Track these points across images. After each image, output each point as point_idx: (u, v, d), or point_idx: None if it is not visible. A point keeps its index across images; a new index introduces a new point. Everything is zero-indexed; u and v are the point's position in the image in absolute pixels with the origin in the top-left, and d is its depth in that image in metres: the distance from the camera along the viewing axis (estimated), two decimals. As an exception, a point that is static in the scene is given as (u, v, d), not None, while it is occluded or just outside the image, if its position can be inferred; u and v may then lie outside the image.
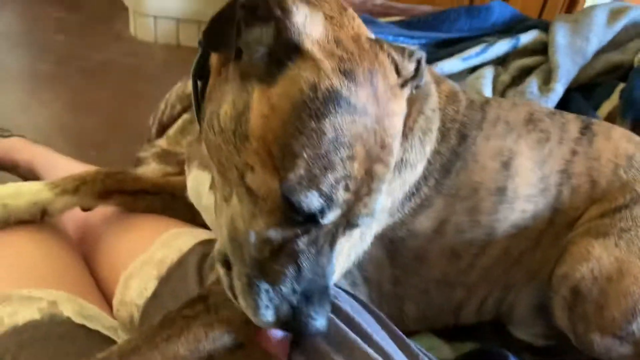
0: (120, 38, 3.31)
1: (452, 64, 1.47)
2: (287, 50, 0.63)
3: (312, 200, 0.60)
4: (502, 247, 0.92)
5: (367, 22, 1.54)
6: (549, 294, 0.90)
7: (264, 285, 0.63)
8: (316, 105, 0.61)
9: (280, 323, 0.63)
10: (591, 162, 0.94)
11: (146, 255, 0.91)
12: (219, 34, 0.66)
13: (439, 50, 1.55)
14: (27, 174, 1.47)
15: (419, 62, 0.73)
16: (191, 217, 1.03)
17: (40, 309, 0.78)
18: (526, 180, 0.91)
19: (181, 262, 0.86)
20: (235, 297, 0.67)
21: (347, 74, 0.63)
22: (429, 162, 0.90)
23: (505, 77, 1.48)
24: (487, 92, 1.41)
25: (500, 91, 1.45)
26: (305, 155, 0.60)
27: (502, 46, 1.52)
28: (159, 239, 0.93)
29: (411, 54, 0.72)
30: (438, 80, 0.96)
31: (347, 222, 0.66)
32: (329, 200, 0.61)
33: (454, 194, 0.90)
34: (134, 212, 1.02)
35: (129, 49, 3.21)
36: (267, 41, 0.63)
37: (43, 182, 0.95)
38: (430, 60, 1.49)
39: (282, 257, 0.64)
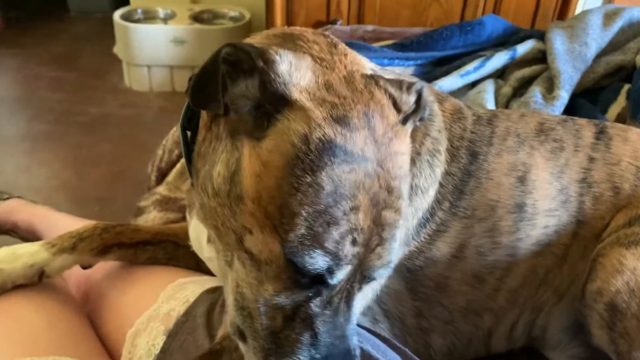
0: (116, 90, 3.33)
1: (451, 82, 1.44)
2: (274, 102, 0.59)
3: (317, 260, 0.56)
4: (527, 267, 0.87)
5: (360, 48, 1.53)
6: (583, 312, 0.83)
7: (282, 359, 0.58)
8: (310, 158, 0.56)
9: None
10: (611, 167, 0.89)
11: (152, 310, 0.85)
12: (204, 92, 0.62)
13: (435, 69, 1.52)
14: (28, 235, 1.43)
15: (419, 94, 0.68)
16: (196, 264, 0.98)
17: (43, 378, 0.73)
18: (545, 193, 0.87)
19: (188, 314, 0.81)
20: None
21: (340, 120, 0.58)
22: (441, 185, 0.85)
23: (507, 89, 1.45)
24: (490, 105, 1.37)
25: (503, 104, 1.42)
26: (304, 213, 0.55)
27: (499, 59, 1.49)
28: (164, 292, 0.88)
29: (410, 87, 0.67)
30: (441, 99, 0.92)
31: (362, 276, 0.61)
32: (335, 258, 0.56)
33: (470, 216, 0.85)
34: (137, 265, 0.98)
35: (125, 100, 3.22)
36: (253, 94, 0.59)
37: (39, 243, 0.91)
38: (428, 80, 1.46)
39: (296, 324, 0.59)
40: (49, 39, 3.91)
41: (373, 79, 0.65)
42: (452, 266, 0.86)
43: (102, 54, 3.59)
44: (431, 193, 0.84)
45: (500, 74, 1.54)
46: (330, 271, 0.57)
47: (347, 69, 0.65)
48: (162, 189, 1.33)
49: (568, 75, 1.39)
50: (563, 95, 1.34)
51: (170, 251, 1.00)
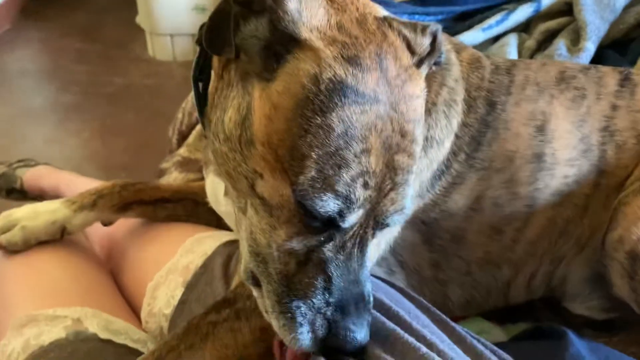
0: (139, 60, 3.34)
1: (473, 36, 1.39)
2: (283, 42, 0.58)
3: (328, 203, 0.55)
4: (546, 217, 0.85)
5: (379, 2, 1.49)
6: (603, 262, 0.82)
7: (295, 302, 0.59)
8: (320, 99, 0.56)
9: (317, 343, 0.59)
10: (635, 115, 0.86)
11: (171, 263, 0.87)
12: (216, 34, 0.61)
13: (457, 24, 1.48)
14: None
15: (434, 36, 0.66)
16: (216, 221, 0.99)
17: (66, 327, 0.76)
18: (565, 143, 0.84)
19: (206, 266, 0.83)
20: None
21: (352, 60, 0.57)
22: (457, 137, 0.83)
23: (531, 43, 1.40)
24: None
25: (527, 57, 1.37)
26: (314, 155, 0.55)
27: (523, 12, 1.43)
28: (183, 246, 0.89)
29: (424, 29, 0.65)
30: (458, 48, 0.90)
31: (376, 222, 0.61)
32: (347, 201, 0.56)
33: (487, 167, 0.83)
34: (157, 222, 0.99)
35: (148, 70, 3.23)
36: (263, 34, 0.58)
37: (60, 200, 0.93)
38: (450, 35, 1.42)
39: (310, 268, 0.59)
40: (72, 10, 3.94)
41: (386, 20, 0.64)
42: (469, 218, 0.85)
43: (125, 25, 3.60)
44: (447, 145, 0.83)
45: (524, 28, 1.49)
46: (342, 214, 0.57)
47: (359, 11, 0.63)
48: (182, 151, 1.34)
49: (595, 26, 1.33)
50: (589, 47, 1.29)
51: (190, 208, 1.01)
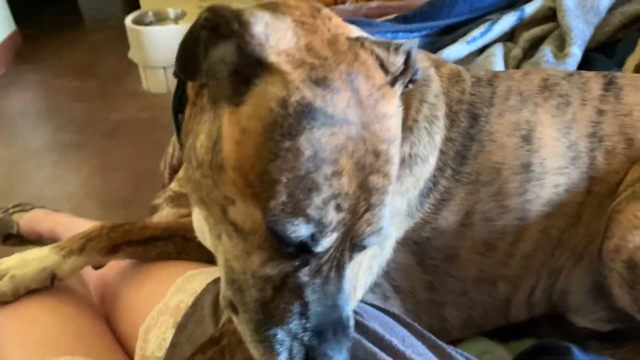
0: (134, 94, 3.37)
1: (458, 49, 1.39)
2: (251, 66, 0.57)
3: (299, 228, 0.54)
4: (539, 229, 0.83)
5: (363, 24, 1.49)
6: (602, 273, 0.80)
7: (272, 330, 0.57)
8: (288, 123, 0.54)
9: None
10: (622, 119, 0.84)
11: (161, 304, 0.86)
12: (187, 60, 0.61)
13: (441, 39, 1.48)
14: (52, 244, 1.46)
15: (407, 54, 0.65)
16: (207, 256, 0.98)
17: (56, 379, 0.74)
18: (552, 151, 0.83)
19: (196, 305, 0.81)
20: None
21: (320, 82, 0.56)
22: (442, 152, 0.82)
23: (517, 51, 1.39)
24: (499, 70, 1.32)
25: (514, 67, 1.36)
26: (284, 180, 0.54)
27: (507, 21, 1.43)
28: (174, 285, 0.88)
29: (397, 48, 0.65)
30: (438, 64, 0.89)
31: (352, 244, 0.59)
32: (319, 225, 0.54)
33: (474, 181, 0.82)
34: (148, 262, 0.98)
35: (144, 103, 3.26)
36: (231, 59, 0.58)
37: (49, 247, 0.92)
38: (434, 50, 1.42)
39: (286, 294, 0.58)
40: (67, 50, 3.99)
41: (359, 40, 0.63)
42: (460, 235, 0.83)
43: (119, 60, 3.64)
44: (432, 161, 0.81)
45: (509, 37, 1.49)
46: (315, 239, 0.55)
47: (331, 32, 0.62)
48: (173, 185, 1.34)
49: (579, 30, 1.33)
50: (575, 52, 1.28)
51: (180, 245, 1.00)
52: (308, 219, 0.54)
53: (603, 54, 1.39)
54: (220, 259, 0.64)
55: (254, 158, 0.55)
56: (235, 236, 0.59)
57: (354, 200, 0.57)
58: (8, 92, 3.57)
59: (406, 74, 0.66)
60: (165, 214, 1.25)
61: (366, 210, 0.58)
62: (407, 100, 0.80)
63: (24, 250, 0.93)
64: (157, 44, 3.11)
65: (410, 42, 0.67)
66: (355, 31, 0.71)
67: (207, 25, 0.57)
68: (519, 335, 0.92)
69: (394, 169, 0.61)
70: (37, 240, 1.53)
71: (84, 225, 1.42)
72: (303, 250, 0.57)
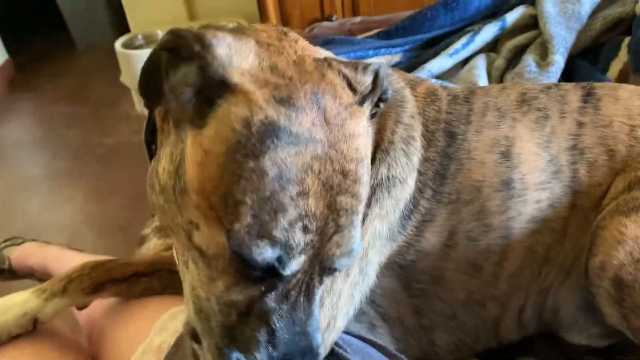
0: (128, 118, 3.37)
1: (440, 63, 1.38)
2: (213, 87, 0.56)
3: (265, 250, 0.53)
4: (525, 247, 0.82)
5: (343, 42, 1.48)
6: (589, 291, 0.78)
7: (236, 354, 0.56)
8: (252, 143, 0.54)
9: None
10: (602, 130, 0.83)
11: (145, 343, 0.84)
12: (149, 84, 0.61)
13: (424, 53, 1.47)
14: (44, 277, 1.45)
15: (376, 73, 0.65)
16: (192, 289, 0.96)
17: None
18: (533, 166, 0.81)
19: (178, 345, 0.79)
20: None
21: (284, 101, 0.55)
22: (420, 173, 0.81)
23: (500, 62, 1.38)
24: (483, 82, 1.31)
25: (497, 77, 1.36)
26: (248, 201, 0.53)
27: (488, 31, 1.43)
28: (157, 324, 0.86)
29: (365, 67, 0.65)
30: (413, 84, 0.88)
31: (322, 267, 0.58)
32: (286, 247, 0.53)
33: (455, 200, 0.81)
34: (133, 299, 0.96)
35: (137, 126, 3.26)
36: (193, 81, 0.57)
37: (30, 290, 0.90)
38: (417, 64, 1.42)
39: (252, 320, 0.56)
40: (60, 76, 4.01)
41: (326, 61, 0.63)
42: (445, 256, 0.82)
43: (111, 84, 3.65)
44: (410, 182, 0.80)
45: (492, 47, 1.48)
46: (281, 261, 0.54)
47: (297, 53, 0.62)
48: (161, 214, 1.32)
49: (561, 37, 1.32)
50: (558, 60, 1.27)
51: (165, 279, 0.98)
52: (274, 242, 0.53)
53: (587, 59, 1.38)
54: (186, 287, 0.63)
55: (217, 180, 0.54)
56: (201, 261, 0.58)
57: (321, 222, 0.55)
58: (4, 121, 3.58)
59: (374, 92, 0.65)
60: (153, 245, 1.24)
61: (335, 232, 0.57)
62: (382, 122, 0.79)
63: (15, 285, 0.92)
64: (148, 66, 3.11)
65: (378, 62, 0.67)
66: (322, 53, 0.71)
67: (167, 47, 0.56)
68: (513, 355, 0.91)
69: (363, 189, 0.60)
70: (29, 274, 1.52)
71: (75, 257, 1.41)
72: (270, 274, 0.55)
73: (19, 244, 1.59)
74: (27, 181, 2.92)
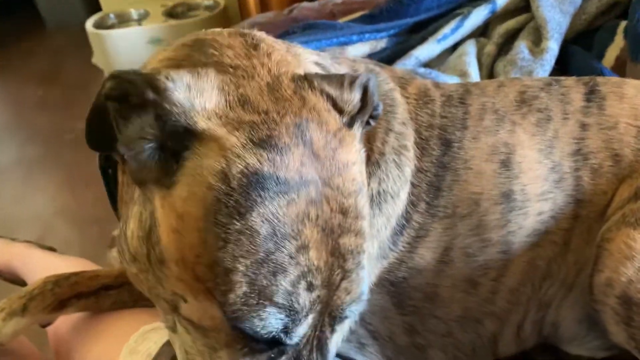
0: (101, 102, 3.24)
1: (428, 49, 1.31)
2: (177, 138, 0.48)
3: (269, 321, 0.46)
4: (525, 261, 0.76)
5: (326, 27, 1.40)
6: (594, 307, 0.73)
7: None
8: (234, 200, 0.46)
9: None
10: (607, 132, 0.77)
11: (115, 368, 0.77)
12: (95, 136, 0.54)
13: (410, 38, 1.39)
14: (10, 277, 1.37)
15: (364, 88, 0.57)
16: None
17: None
18: (534, 175, 0.75)
19: (149, 373, 0.73)
20: None
21: (264, 142, 0.48)
22: (413, 185, 0.74)
23: (490, 48, 1.31)
24: (473, 69, 1.24)
25: (488, 65, 1.29)
26: (241, 267, 0.46)
27: (478, 15, 1.35)
28: (127, 345, 0.79)
29: (353, 82, 0.56)
30: (403, 83, 0.80)
31: (332, 317, 0.52)
32: (291, 313, 0.47)
33: (451, 214, 0.74)
34: (101, 314, 0.89)
35: (112, 110, 3.13)
36: (152, 133, 0.49)
37: (-15, 309, 0.83)
38: (404, 50, 1.34)
39: None
40: (29, 57, 3.84)
41: (306, 80, 0.55)
42: (440, 273, 0.75)
43: (83, 66, 3.49)
44: (403, 196, 0.73)
45: (482, 31, 1.40)
46: (287, 330, 0.48)
47: (271, 72, 0.54)
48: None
49: (555, 22, 1.25)
50: (552, 47, 1.21)
51: (137, 292, 0.91)
52: (277, 308, 0.46)
53: (582, 44, 1.32)
54: (179, 353, 0.56)
55: (199, 248, 0.47)
56: (194, 331, 0.51)
57: (327, 272, 0.49)
58: (-28, 104, 3.44)
59: (364, 111, 0.58)
60: (124, 250, 1.16)
61: (342, 279, 0.51)
62: (371, 131, 0.72)
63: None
64: (121, 47, 2.98)
65: (367, 75, 0.59)
66: (305, 61, 0.63)
67: (113, 96, 0.48)
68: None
69: (365, 223, 0.54)
70: (-4, 275, 1.44)
71: (40, 257, 1.33)
72: (276, 343, 0.49)
73: (-17, 242, 1.50)
74: (-2, 169, 2.80)
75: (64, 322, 0.92)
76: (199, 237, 0.47)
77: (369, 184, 0.70)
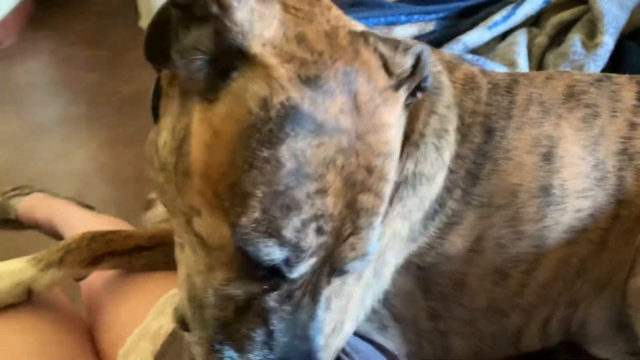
0: (146, 65, 3.23)
1: (477, 36, 1.27)
2: (230, 57, 0.49)
3: (272, 250, 0.47)
4: (558, 257, 0.75)
5: (374, 5, 1.38)
6: (626, 312, 0.71)
7: (229, 352, 0.51)
8: (269, 128, 0.47)
9: None
10: None
11: (142, 326, 0.80)
12: (155, 44, 0.54)
13: (460, 22, 1.36)
14: (49, 231, 1.42)
15: (418, 57, 0.57)
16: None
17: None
18: (576, 171, 0.73)
19: (175, 335, 0.75)
20: None
21: (311, 81, 0.48)
22: (451, 171, 0.73)
23: (542, 39, 1.27)
24: (522, 60, 1.21)
25: (538, 56, 1.25)
26: (259, 194, 0.47)
27: (532, 4, 1.30)
28: (156, 306, 0.81)
29: (407, 49, 0.56)
30: (451, 67, 0.79)
31: (332, 268, 0.53)
32: (295, 249, 0.48)
33: (487, 204, 0.73)
34: (133, 274, 0.91)
35: (155, 74, 3.17)
36: (207, 46, 0.50)
37: (25, 258, 0.86)
38: (452, 35, 1.31)
39: (249, 317, 0.52)
40: (78, 17, 3.90)
41: (362, 35, 0.55)
42: (470, 261, 0.75)
43: (130, 28, 3.53)
44: (439, 180, 0.73)
45: (535, 21, 1.36)
46: (289, 264, 0.49)
47: (330, 23, 0.54)
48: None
49: (612, 16, 1.20)
50: (607, 41, 1.16)
51: (169, 253, 0.92)
52: (283, 241, 0.47)
53: (637, 41, 1.26)
54: (181, 272, 0.58)
55: (225, 166, 0.48)
56: (200, 249, 0.53)
57: (338, 222, 0.50)
58: (19, 61, 3.51)
59: (413, 78, 0.57)
60: (159, 213, 1.19)
61: (351, 234, 0.51)
62: (414, 111, 0.71)
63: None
64: (168, 12, 3.00)
65: (422, 45, 0.58)
66: (357, 26, 0.62)
67: (179, 3, 0.49)
68: (532, 364, 0.85)
69: (387, 187, 0.54)
70: (35, 227, 1.49)
71: (78, 214, 1.38)
72: (275, 274, 0.50)
73: (26, 194, 1.56)
74: (42, 125, 2.88)
75: (98, 278, 0.94)
76: (228, 157, 0.48)
77: (405, 164, 0.70)
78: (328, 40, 0.52)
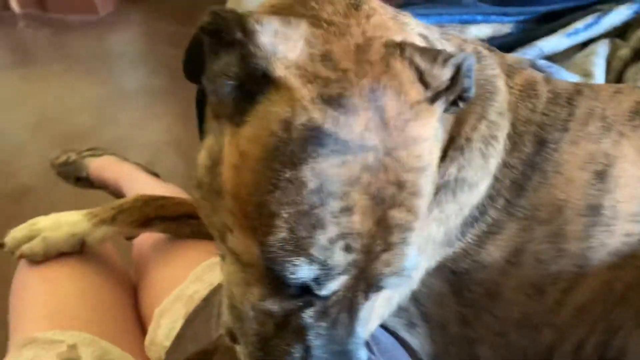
0: (227, 46, 3.37)
1: (555, 42, 1.22)
2: (255, 81, 0.50)
3: (301, 269, 0.48)
4: (601, 280, 0.71)
5: (451, 1, 1.35)
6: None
7: None
8: (290, 149, 0.48)
9: None
10: None
11: (179, 289, 0.84)
12: (191, 65, 0.56)
13: (539, 27, 1.30)
14: (115, 192, 1.50)
15: (457, 68, 0.55)
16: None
17: (60, 353, 0.74)
18: (630, 193, 0.70)
19: (208, 299, 0.78)
20: None
21: (333, 100, 0.48)
22: (496, 179, 0.71)
23: (625, 52, 1.20)
24: (599, 72, 1.15)
25: (618, 70, 1.18)
26: (284, 214, 0.47)
27: (619, 14, 1.23)
28: (194, 272, 0.85)
29: (447, 59, 0.55)
30: (511, 72, 0.77)
31: (368, 284, 0.52)
32: (323, 267, 0.48)
33: (530, 217, 0.71)
34: (179, 239, 0.96)
35: (236, 55, 3.25)
36: (234, 72, 0.51)
37: (82, 212, 0.92)
38: (528, 39, 1.26)
39: (288, 334, 0.52)
40: (169, -8, 4.05)
41: (398, 47, 0.54)
42: (506, 272, 0.73)
43: (218, 6, 3.64)
44: (481, 188, 0.71)
45: (620, 33, 1.29)
46: (318, 282, 0.49)
47: (365, 35, 0.53)
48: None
49: None
50: (696, 60, 1.09)
51: None
52: (311, 260, 0.48)
53: None
54: (223, 280, 0.59)
55: (251, 187, 0.49)
56: (236, 263, 0.54)
57: (368, 240, 0.49)
58: (114, 30, 3.71)
59: (451, 90, 0.56)
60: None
61: (384, 250, 0.51)
62: (462, 115, 0.70)
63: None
64: (255, -5, 3.06)
65: (465, 55, 0.56)
66: (406, 30, 0.61)
67: (208, 29, 0.51)
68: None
69: (422, 201, 0.52)
70: (103, 187, 1.58)
71: (144, 180, 1.45)
72: (306, 291, 0.51)
73: (98, 156, 1.65)
74: (123, 93, 3.02)
75: (148, 239, 1.00)
76: (254, 178, 0.49)
77: (447, 169, 0.69)
78: (357, 55, 0.51)
